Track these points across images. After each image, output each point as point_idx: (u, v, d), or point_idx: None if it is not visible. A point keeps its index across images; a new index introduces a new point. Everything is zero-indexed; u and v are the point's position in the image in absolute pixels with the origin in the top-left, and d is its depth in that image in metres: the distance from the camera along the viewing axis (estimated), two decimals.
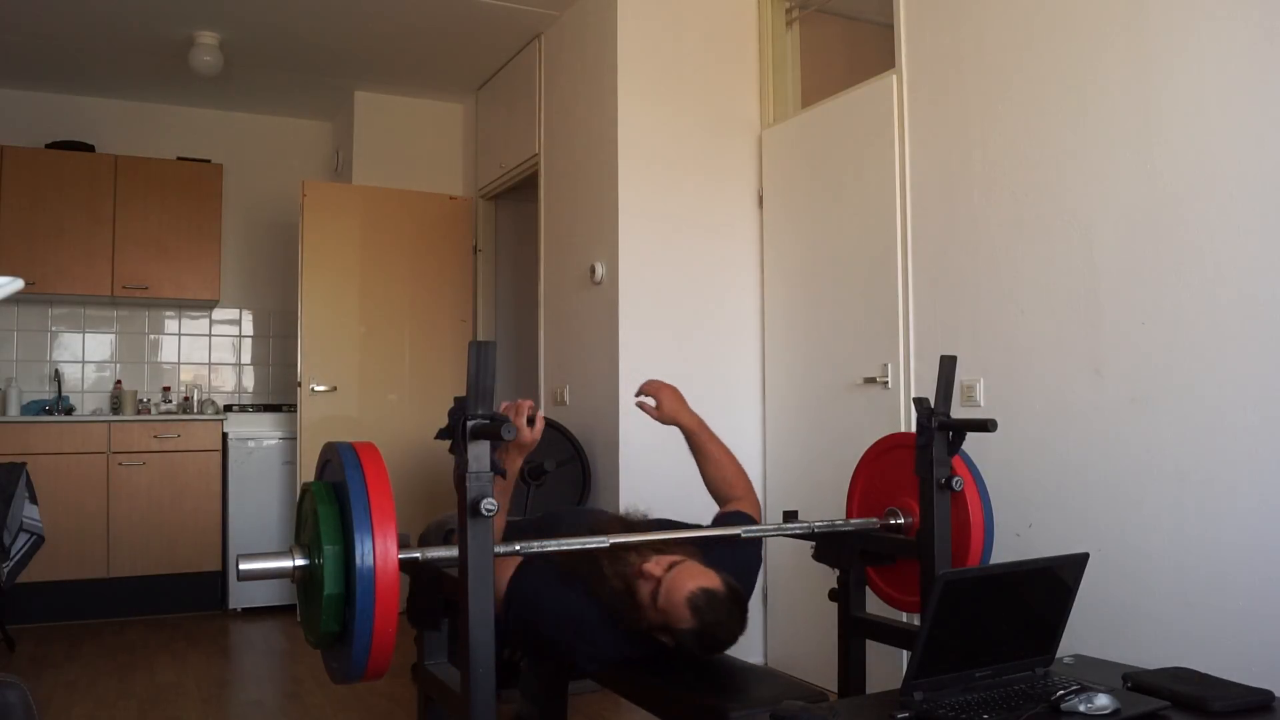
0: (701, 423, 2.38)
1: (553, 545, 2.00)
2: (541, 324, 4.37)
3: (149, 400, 5.36)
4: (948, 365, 2.24)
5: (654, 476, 3.64)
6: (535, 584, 2.00)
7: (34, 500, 3.99)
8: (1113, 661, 1.94)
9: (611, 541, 2.02)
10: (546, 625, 1.99)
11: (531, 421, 1.95)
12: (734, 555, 2.13)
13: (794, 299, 3.72)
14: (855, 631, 2.35)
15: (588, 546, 2.01)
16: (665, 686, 1.93)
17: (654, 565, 1.94)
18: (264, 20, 4.37)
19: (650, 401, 2.40)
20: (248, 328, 5.70)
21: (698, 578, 1.91)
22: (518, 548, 1.91)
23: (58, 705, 3.39)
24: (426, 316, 5.08)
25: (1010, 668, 1.75)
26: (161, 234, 5.15)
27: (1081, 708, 1.55)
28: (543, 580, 2.01)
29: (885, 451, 2.53)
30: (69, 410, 5.11)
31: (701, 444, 2.37)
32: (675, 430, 3.79)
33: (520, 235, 5.41)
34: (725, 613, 1.89)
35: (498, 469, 1.70)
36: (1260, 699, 1.63)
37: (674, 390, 2.40)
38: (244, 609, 4.94)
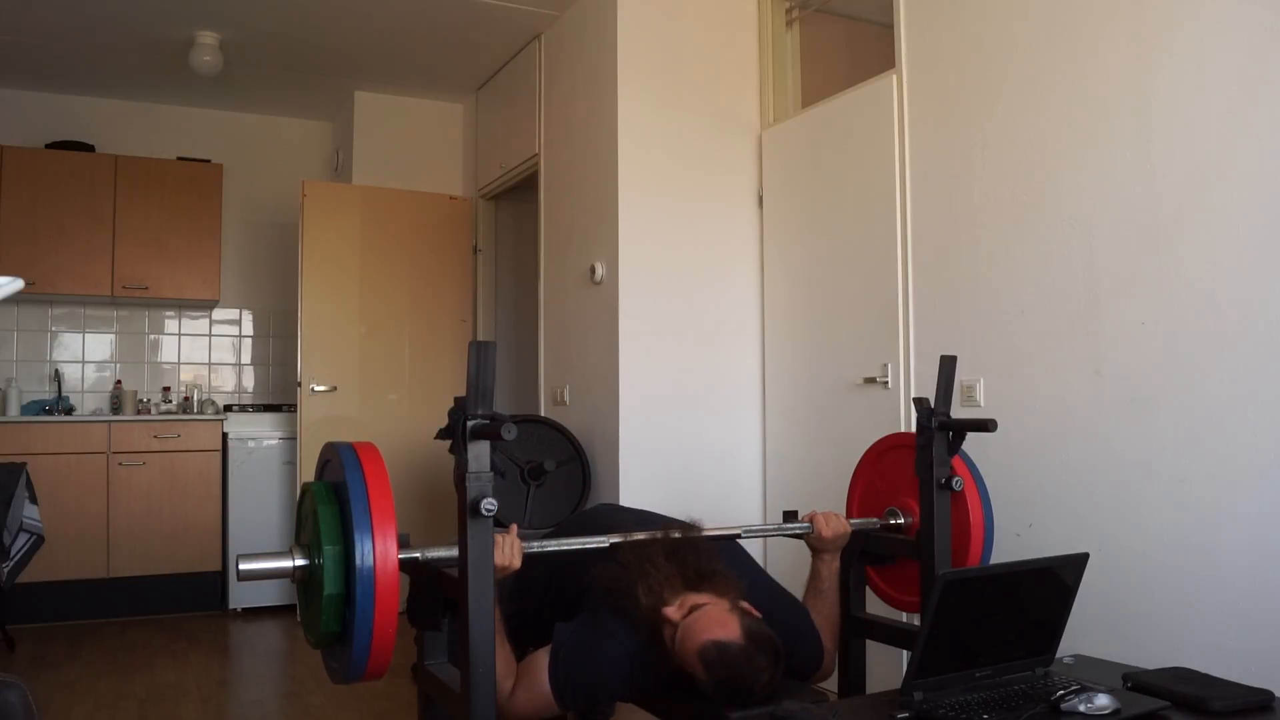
0: (838, 571, 2.31)
1: (553, 545, 2.01)
2: (541, 324, 4.37)
3: (149, 400, 5.36)
4: (948, 365, 2.24)
5: (653, 476, 3.65)
6: (576, 664, 1.85)
7: (34, 500, 3.99)
8: (1113, 661, 1.94)
9: (611, 541, 2.02)
10: (614, 689, 1.89)
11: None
12: (776, 602, 2.02)
13: (794, 299, 3.71)
14: (855, 631, 2.35)
15: (588, 547, 2.01)
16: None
17: (675, 610, 1.83)
18: (264, 20, 4.37)
19: (810, 527, 2.27)
20: (248, 328, 5.70)
21: (712, 628, 1.77)
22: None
23: (58, 705, 3.39)
24: (426, 316, 5.08)
25: (1010, 668, 1.75)
26: (161, 234, 5.15)
27: (1081, 708, 1.56)
28: (585, 652, 1.87)
29: (885, 451, 2.53)
30: (69, 410, 5.11)
31: (827, 586, 2.28)
32: (673, 432, 3.77)
33: (520, 235, 5.42)
34: (744, 665, 1.73)
35: (497, 469, 1.70)
36: (1260, 699, 1.64)
37: (846, 538, 2.30)
38: (244, 609, 4.94)
